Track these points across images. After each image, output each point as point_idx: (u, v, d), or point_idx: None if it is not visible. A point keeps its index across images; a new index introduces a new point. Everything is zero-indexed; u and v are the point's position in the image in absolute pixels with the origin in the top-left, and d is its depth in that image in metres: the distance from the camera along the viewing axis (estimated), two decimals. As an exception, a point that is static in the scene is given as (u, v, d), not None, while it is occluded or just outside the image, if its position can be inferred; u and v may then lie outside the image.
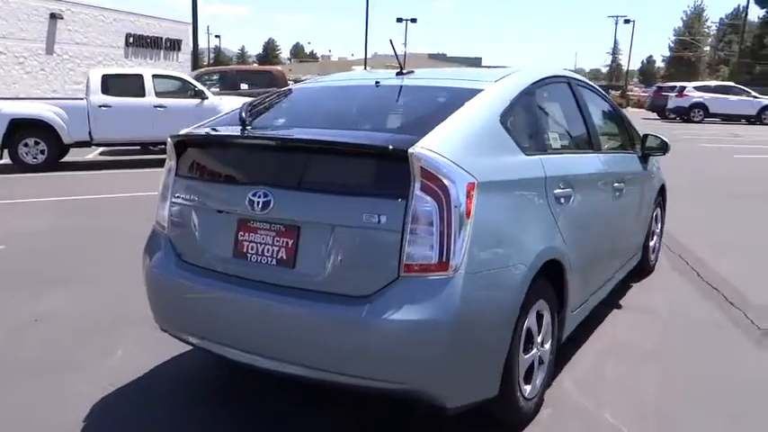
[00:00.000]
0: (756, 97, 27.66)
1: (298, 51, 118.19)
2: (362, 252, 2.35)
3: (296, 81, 19.53)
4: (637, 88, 63.87)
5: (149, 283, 2.92)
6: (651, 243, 5.01)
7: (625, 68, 68.00)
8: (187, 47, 26.22)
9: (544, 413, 2.89)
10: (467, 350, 2.34)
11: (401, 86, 3.10)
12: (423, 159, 2.26)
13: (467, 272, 2.28)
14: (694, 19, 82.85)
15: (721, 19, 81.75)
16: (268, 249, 2.53)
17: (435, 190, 2.26)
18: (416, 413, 2.83)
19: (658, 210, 5.17)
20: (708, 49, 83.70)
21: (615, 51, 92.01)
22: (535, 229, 2.72)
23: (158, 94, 11.25)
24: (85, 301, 4.32)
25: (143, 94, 11.11)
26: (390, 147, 2.31)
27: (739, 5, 78.00)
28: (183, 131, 2.91)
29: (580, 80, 3.89)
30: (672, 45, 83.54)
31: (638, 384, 3.25)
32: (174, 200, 2.86)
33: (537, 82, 3.20)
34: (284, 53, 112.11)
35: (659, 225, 5.29)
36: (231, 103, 11.80)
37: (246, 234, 2.59)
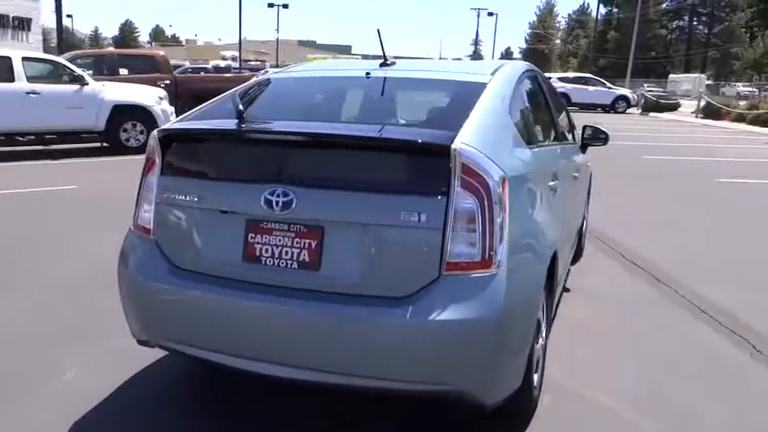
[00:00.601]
0: (610, 88, 30.26)
1: (158, 34, 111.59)
2: (399, 251, 2.25)
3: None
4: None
5: (131, 292, 2.63)
6: (583, 228, 5.31)
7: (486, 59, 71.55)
8: (38, 27, 23.81)
9: (545, 400, 2.96)
10: (507, 347, 2.33)
11: (399, 79, 2.99)
12: (464, 155, 2.21)
13: (507, 268, 2.27)
14: (546, 14, 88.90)
15: (569, 15, 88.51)
16: (286, 252, 2.36)
17: (476, 186, 2.22)
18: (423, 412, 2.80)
19: (586, 196, 5.48)
20: (558, 42, 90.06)
21: (477, 42, 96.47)
22: (544, 222, 2.76)
23: (30, 79, 10.10)
24: (9, 314, 3.82)
25: (12, 79, 9.92)
26: (431, 142, 2.23)
27: (585, 2, 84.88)
28: (172, 125, 2.64)
29: (539, 71, 3.99)
30: (527, 38, 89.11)
31: (613, 363, 3.43)
32: (160, 201, 2.58)
33: (522, 74, 3.25)
34: (143, 36, 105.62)
35: (587, 211, 5.61)
36: (115, 90, 10.98)
37: (258, 236, 2.39)
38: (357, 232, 2.28)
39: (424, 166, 2.27)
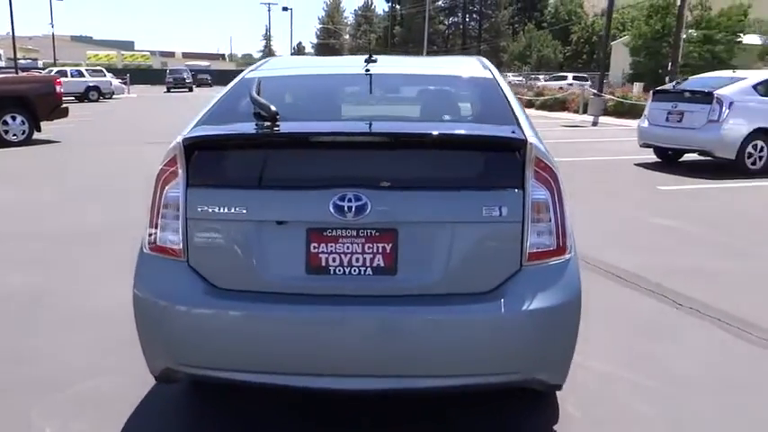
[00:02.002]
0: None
1: None
2: (480, 247, 2.26)
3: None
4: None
5: (159, 321, 2.31)
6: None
7: (278, 54, 71.64)
8: None
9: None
10: (578, 327, 2.45)
11: (411, 75, 2.96)
12: (536, 148, 2.29)
13: (574, 252, 2.39)
14: (334, 10, 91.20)
15: (356, 11, 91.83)
16: (358, 258, 2.24)
17: (546, 177, 2.31)
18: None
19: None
20: (348, 37, 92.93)
21: (268, 37, 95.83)
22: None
23: None
24: None
25: None
26: (509, 137, 2.29)
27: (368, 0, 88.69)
28: (199, 132, 2.33)
29: None
30: (318, 33, 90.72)
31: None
32: (193, 217, 2.28)
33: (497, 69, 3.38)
34: None
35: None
36: None
37: (323, 245, 2.24)
38: (435, 231, 2.24)
39: (498, 160, 2.30)
